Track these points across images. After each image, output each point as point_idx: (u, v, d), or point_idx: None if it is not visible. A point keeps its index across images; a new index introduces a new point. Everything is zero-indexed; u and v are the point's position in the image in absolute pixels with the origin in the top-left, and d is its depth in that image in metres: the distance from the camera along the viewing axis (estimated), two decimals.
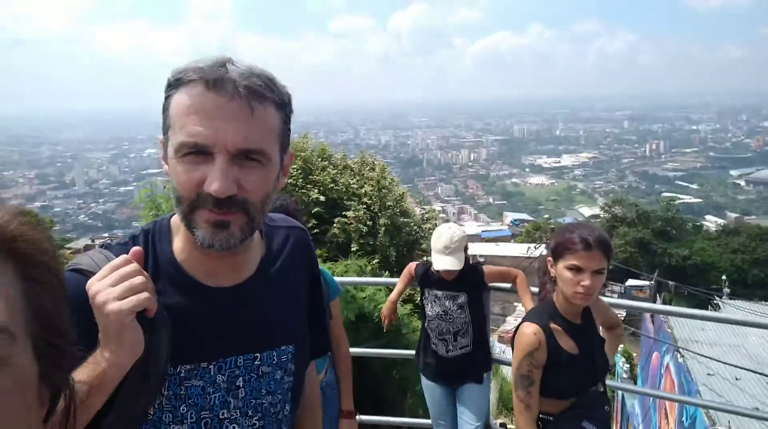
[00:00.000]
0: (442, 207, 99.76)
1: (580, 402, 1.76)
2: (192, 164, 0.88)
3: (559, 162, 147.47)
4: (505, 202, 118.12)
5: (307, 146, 9.80)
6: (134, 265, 0.89)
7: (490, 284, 2.91)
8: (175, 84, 0.90)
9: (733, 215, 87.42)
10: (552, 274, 1.84)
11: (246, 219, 0.92)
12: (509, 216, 74.10)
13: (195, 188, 0.89)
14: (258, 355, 1.03)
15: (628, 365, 12.03)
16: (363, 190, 9.70)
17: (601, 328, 1.89)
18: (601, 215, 35.75)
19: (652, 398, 7.92)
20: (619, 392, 10.64)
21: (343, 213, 8.90)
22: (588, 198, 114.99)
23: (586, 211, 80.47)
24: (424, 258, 3.43)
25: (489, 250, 33.32)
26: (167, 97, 0.91)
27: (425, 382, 3.07)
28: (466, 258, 2.88)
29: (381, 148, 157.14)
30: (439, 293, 2.88)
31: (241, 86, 0.88)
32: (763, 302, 15.90)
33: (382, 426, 4.11)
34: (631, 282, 25.33)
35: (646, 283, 23.58)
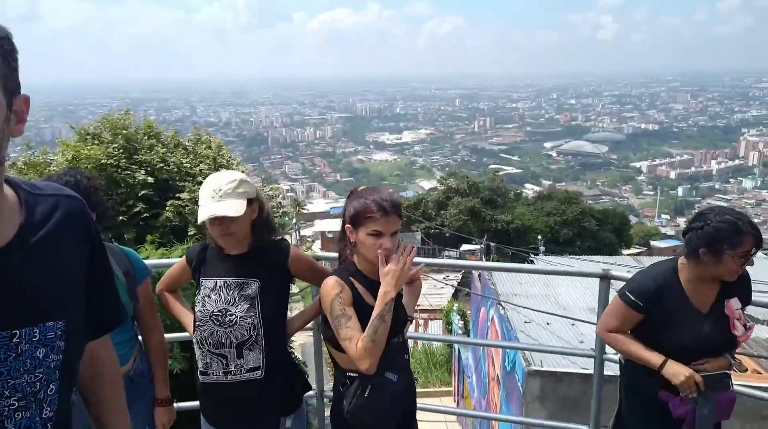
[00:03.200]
0: (290, 185, 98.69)
1: (381, 354, 1.83)
2: None
3: (400, 138, 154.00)
4: (352, 178, 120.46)
5: (129, 123, 8.93)
6: None
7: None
8: None
9: (547, 183, 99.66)
10: (352, 241, 1.91)
11: None
12: None
13: None
14: (17, 332, 0.94)
15: (462, 322, 13.21)
16: (198, 169, 9.13)
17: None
18: (438, 187, 38.12)
19: (482, 349, 8.76)
20: (456, 347, 11.63)
21: (177, 195, 8.31)
22: (427, 172, 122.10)
23: (426, 184, 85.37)
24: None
25: (338, 225, 33.80)
26: None
27: (204, 424, 2.16)
28: (266, 227, 2.08)
29: (222, 126, 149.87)
30: (218, 281, 2.01)
31: None
32: (571, 256, 18.33)
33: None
34: (464, 247, 27.60)
35: (477, 247, 25.88)
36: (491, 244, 24.17)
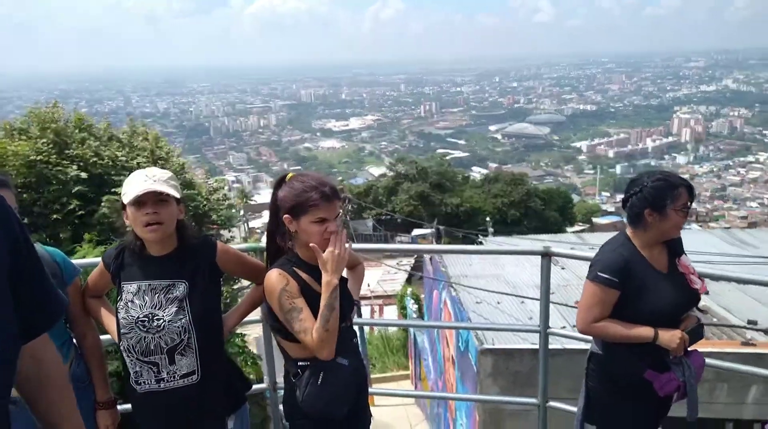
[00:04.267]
0: (235, 176, 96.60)
1: None
2: None
3: (347, 125, 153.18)
4: (299, 167, 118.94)
5: (58, 116, 8.45)
6: None
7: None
8: None
9: (493, 165, 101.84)
10: (292, 230, 1.86)
11: None
12: None
13: None
14: None
15: (416, 305, 13.34)
16: (135, 163, 8.76)
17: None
18: (388, 173, 38.24)
19: (436, 331, 8.88)
20: (412, 331, 11.75)
21: (113, 190, 7.95)
22: (376, 158, 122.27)
23: (375, 170, 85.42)
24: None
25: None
26: None
27: None
28: (188, 225, 2.02)
29: (159, 117, 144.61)
30: (141, 284, 1.91)
31: None
32: (518, 236, 18.80)
33: None
34: (416, 231, 27.86)
35: (429, 231, 26.19)
36: (441, 227, 24.51)
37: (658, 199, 2.05)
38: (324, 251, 1.79)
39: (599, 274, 2.12)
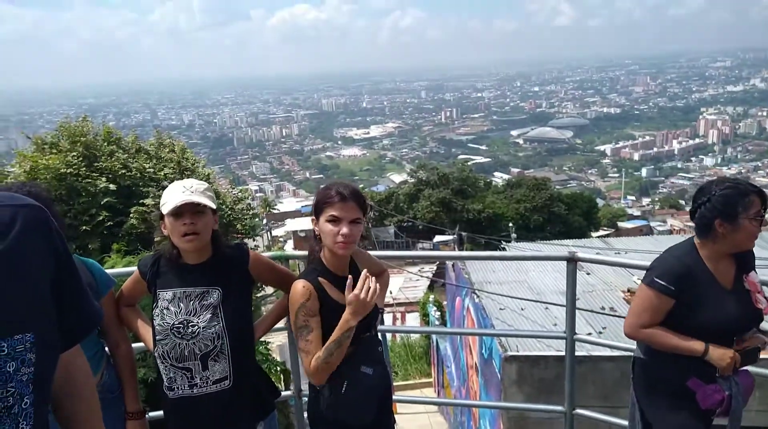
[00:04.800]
0: (259, 185, 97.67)
1: (356, 348, 1.87)
2: None
3: (368, 133, 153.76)
4: (321, 175, 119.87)
5: (87, 130, 8.69)
6: None
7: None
8: None
9: (516, 170, 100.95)
10: (317, 232, 1.92)
11: None
12: None
13: None
14: None
15: (439, 313, 13.29)
16: (162, 174, 8.95)
17: None
18: (409, 180, 38.20)
19: (459, 338, 8.83)
20: (434, 338, 11.69)
21: (141, 201, 8.13)
22: (397, 165, 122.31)
23: (396, 177, 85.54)
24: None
25: (310, 224, 33.64)
26: None
27: None
28: (221, 234, 2.07)
29: (185, 129, 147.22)
30: (176, 292, 1.95)
31: None
32: (541, 241, 18.60)
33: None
34: (438, 238, 27.76)
35: (450, 237, 26.07)
36: (463, 234, 24.38)
37: (729, 207, 1.93)
38: (355, 287, 1.79)
39: (656, 279, 2.02)
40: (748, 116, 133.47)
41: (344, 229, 1.83)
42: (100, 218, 7.88)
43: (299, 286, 1.87)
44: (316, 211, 1.90)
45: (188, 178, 9.78)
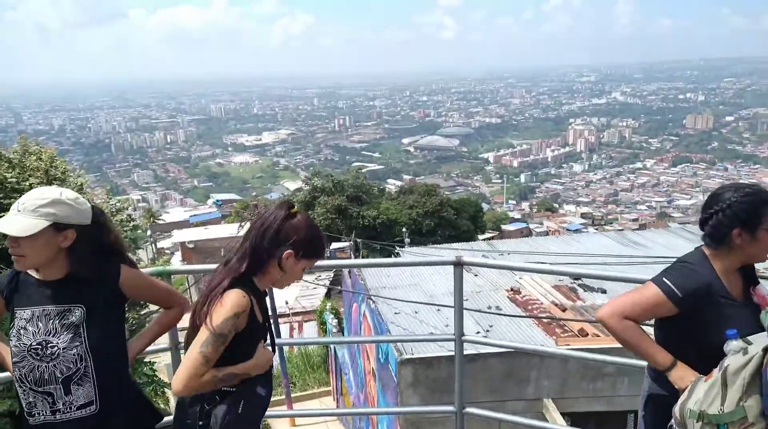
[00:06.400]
0: (141, 195, 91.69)
1: None
2: None
3: (260, 140, 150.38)
4: (211, 183, 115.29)
5: None
6: None
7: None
8: None
9: (407, 177, 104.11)
10: (283, 265, 1.79)
11: None
12: (215, 197, 72.59)
13: None
14: None
15: (336, 320, 13.27)
16: (27, 184, 8.08)
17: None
18: (304, 187, 37.87)
19: (356, 345, 8.89)
20: (332, 346, 11.66)
21: (1, 214, 7.29)
22: (291, 172, 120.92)
23: (291, 185, 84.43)
24: None
25: (198, 234, 32.13)
26: None
27: None
28: (97, 241, 1.84)
29: (55, 134, 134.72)
30: (35, 310, 1.78)
31: None
32: (432, 246, 19.25)
33: None
34: (334, 245, 27.73)
35: (347, 244, 26.17)
36: (359, 240, 24.59)
37: (752, 216, 1.75)
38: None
39: (666, 280, 1.83)
40: (611, 126, 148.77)
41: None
42: None
43: (240, 295, 1.72)
44: (304, 253, 1.82)
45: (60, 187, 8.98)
